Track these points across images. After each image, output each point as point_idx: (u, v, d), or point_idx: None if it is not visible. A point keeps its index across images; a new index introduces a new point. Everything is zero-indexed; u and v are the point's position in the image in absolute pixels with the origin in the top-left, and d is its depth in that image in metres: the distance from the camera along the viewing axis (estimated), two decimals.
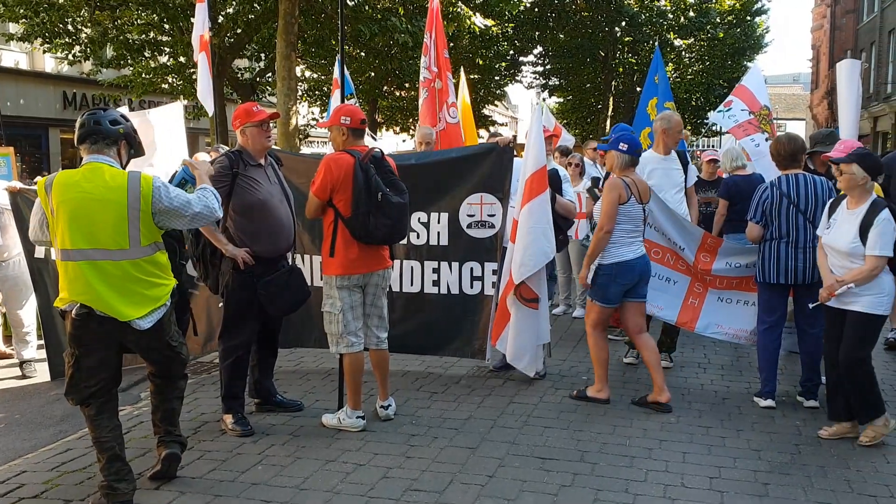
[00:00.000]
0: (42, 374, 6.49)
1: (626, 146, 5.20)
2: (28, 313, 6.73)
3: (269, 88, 22.75)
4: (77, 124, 3.70)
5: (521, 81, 34.02)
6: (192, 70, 19.03)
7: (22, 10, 16.44)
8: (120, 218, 3.55)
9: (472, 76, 23.50)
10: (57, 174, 3.66)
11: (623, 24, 27.16)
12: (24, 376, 6.58)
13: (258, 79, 21.95)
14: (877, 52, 31.37)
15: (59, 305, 3.68)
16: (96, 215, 3.54)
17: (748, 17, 28.73)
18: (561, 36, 27.86)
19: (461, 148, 7.76)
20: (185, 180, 5.97)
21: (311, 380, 5.94)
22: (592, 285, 5.29)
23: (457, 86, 10.37)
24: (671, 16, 27.16)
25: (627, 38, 27.97)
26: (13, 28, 17.74)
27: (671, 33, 27.50)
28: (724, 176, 7.21)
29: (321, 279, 5.66)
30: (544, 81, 32.21)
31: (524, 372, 5.65)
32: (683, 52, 29.46)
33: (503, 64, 28.50)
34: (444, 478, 4.04)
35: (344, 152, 4.65)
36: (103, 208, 3.54)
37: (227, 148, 4.91)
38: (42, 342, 6.50)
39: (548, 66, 31.40)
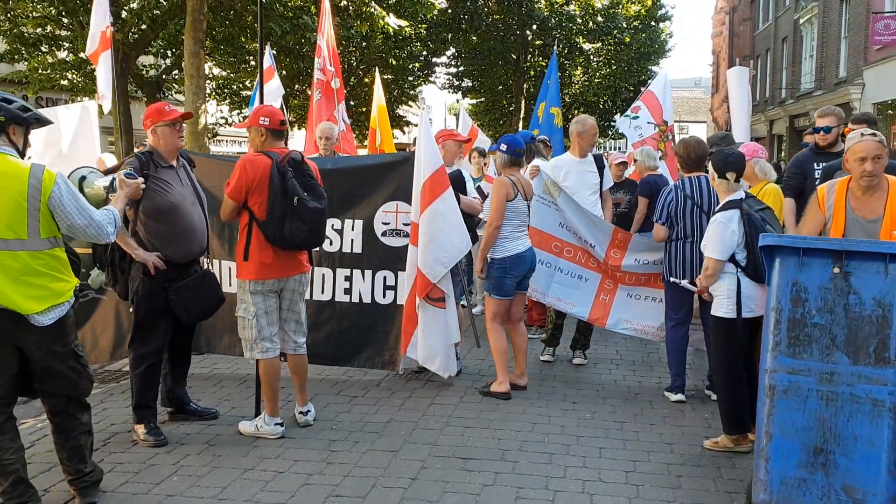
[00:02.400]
0: None
1: (505, 146, 5.50)
2: None
3: (176, 86, 22.09)
4: None
5: (434, 82, 34.24)
6: (93, 67, 18.20)
7: None
8: (17, 205, 3.36)
9: (385, 76, 23.45)
10: None
11: (534, 27, 27.63)
12: None
13: (164, 76, 21.29)
14: (772, 59, 33.04)
15: None
16: None
17: (653, 23, 29.69)
18: (473, 38, 28.13)
19: (378, 155, 7.74)
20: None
21: (225, 386, 5.80)
22: (487, 279, 5.53)
23: (372, 86, 10.38)
24: (580, 20, 27.79)
25: (538, 42, 28.49)
26: None
27: (580, 37, 28.16)
28: (645, 175, 7.41)
29: (230, 284, 5.58)
30: (457, 83, 32.44)
31: (438, 374, 5.61)
32: (592, 57, 30.22)
33: (416, 64, 28.54)
34: (366, 482, 4.01)
35: (261, 153, 4.55)
36: (0, 196, 3.34)
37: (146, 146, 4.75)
38: None
39: (460, 68, 31.64)
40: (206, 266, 4.97)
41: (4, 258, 3.37)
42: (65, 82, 18.95)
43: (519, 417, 5.02)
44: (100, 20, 8.96)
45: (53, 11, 17.29)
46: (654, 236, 5.57)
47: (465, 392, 5.56)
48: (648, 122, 9.39)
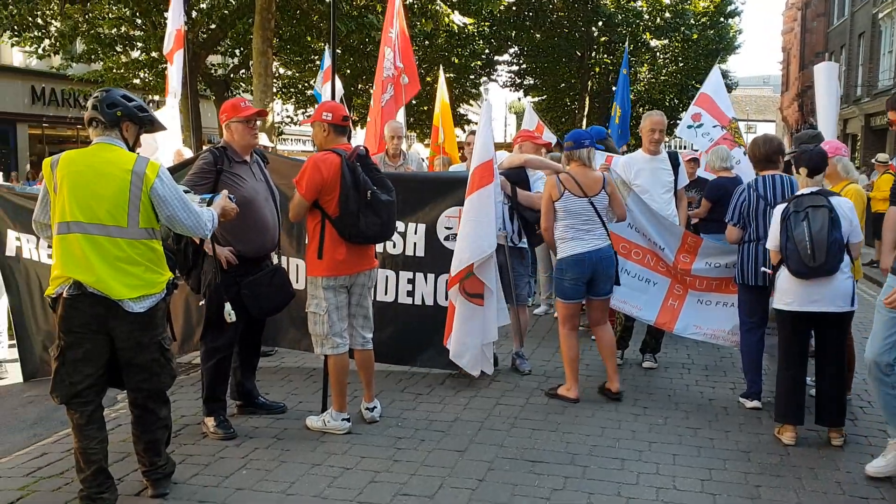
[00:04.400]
0: (14, 375, 6.32)
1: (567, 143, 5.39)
2: None
3: (244, 85, 22.49)
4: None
5: (496, 80, 34.02)
6: (164, 66, 18.68)
7: None
8: (120, 192, 3.49)
9: (447, 75, 23.45)
10: (64, 152, 3.62)
11: (600, 24, 27.22)
12: None
13: (232, 75, 21.68)
14: (847, 55, 31.87)
15: (49, 293, 3.56)
16: (97, 188, 3.48)
17: (721, 19, 28.93)
18: (537, 35, 27.87)
19: (448, 173, 7.66)
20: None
21: (293, 380, 5.84)
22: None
23: (434, 85, 10.28)
24: (647, 16, 27.27)
25: (603, 39, 28.08)
26: None
27: (647, 34, 27.64)
28: (713, 176, 7.19)
29: (297, 281, 5.60)
30: (519, 81, 32.24)
31: (467, 370, 5.57)
32: (658, 54, 29.66)
33: (478, 63, 28.45)
34: (433, 482, 3.97)
35: (330, 151, 4.55)
36: (105, 181, 3.49)
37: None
38: (14, 342, 6.34)
39: (523, 66, 31.42)
40: (276, 262, 5.00)
41: (104, 243, 3.49)
42: (137, 81, 19.49)
43: (588, 421, 4.91)
44: (175, 19, 9.13)
45: (128, 13, 17.80)
46: (727, 238, 5.38)
47: (530, 394, 5.46)
48: (714, 126, 9.12)
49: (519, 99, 36.41)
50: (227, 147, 4.70)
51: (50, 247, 6.11)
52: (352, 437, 4.59)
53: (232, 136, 4.73)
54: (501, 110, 68.00)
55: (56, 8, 17.05)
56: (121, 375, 3.70)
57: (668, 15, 27.16)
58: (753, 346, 5.26)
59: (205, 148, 5.14)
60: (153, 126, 3.80)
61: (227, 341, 4.68)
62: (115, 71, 18.87)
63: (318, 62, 21.63)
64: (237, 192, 4.55)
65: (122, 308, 3.51)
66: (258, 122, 4.85)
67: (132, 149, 3.69)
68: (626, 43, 12.19)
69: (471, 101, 34.13)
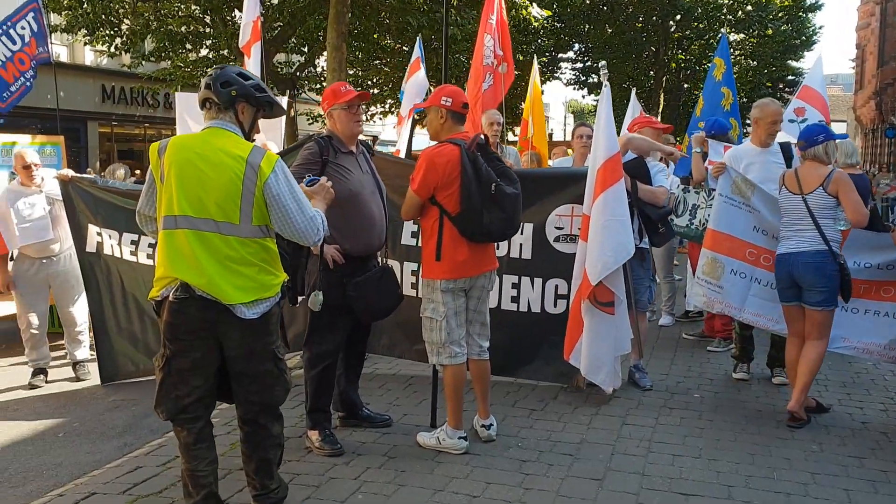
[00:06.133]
0: (96, 376, 6.04)
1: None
2: (80, 311, 6.28)
3: (308, 83, 22.31)
4: None
5: (559, 78, 33.28)
6: (232, 63, 18.62)
7: (66, 1, 16.16)
8: (233, 185, 3.07)
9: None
10: (173, 137, 3.24)
11: (677, 17, 26.23)
12: (77, 378, 6.15)
13: (298, 73, 21.49)
14: None
15: (153, 296, 3.17)
16: (208, 180, 3.07)
17: (801, 13, 27.66)
18: (609, 30, 27.01)
19: (557, 169, 7.16)
20: None
21: (391, 389, 5.41)
22: None
23: (529, 74, 9.84)
24: (726, 10, 26.13)
25: (676, 35, 27.12)
26: (56, 19, 17.46)
27: (726, 27, 26.62)
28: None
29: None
30: (584, 79, 31.52)
31: (602, 387, 5.02)
32: (733, 49, 28.61)
33: (543, 59, 27.82)
34: None
35: (446, 143, 4.10)
36: (216, 172, 3.07)
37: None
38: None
39: (587, 63, 30.66)
40: (383, 261, 4.56)
41: (215, 241, 3.07)
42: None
43: (731, 446, 4.35)
44: (251, 9, 8.84)
45: (197, 10, 17.74)
46: None
47: (658, 412, 4.91)
48: (820, 122, 8.43)
49: (583, 97, 35.63)
50: (331, 136, 4.29)
51: (133, 243, 5.85)
52: (470, 458, 4.12)
53: (335, 125, 4.32)
54: (560, 109, 67.17)
55: (128, 6, 17.06)
56: (229, 388, 3.31)
57: (749, 8, 25.96)
58: None
59: (309, 136, 4.76)
60: (272, 109, 3.36)
61: (333, 347, 4.27)
62: (183, 69, 18.85)
63: (385, 59, 21.34)
64: (343, 186, 4.12)
65: (233, 313, 3.11)
66: (361, 107, 4.42)
67: (248, 136, 3.28)
68: (721, 35, 11.46)
69: None
